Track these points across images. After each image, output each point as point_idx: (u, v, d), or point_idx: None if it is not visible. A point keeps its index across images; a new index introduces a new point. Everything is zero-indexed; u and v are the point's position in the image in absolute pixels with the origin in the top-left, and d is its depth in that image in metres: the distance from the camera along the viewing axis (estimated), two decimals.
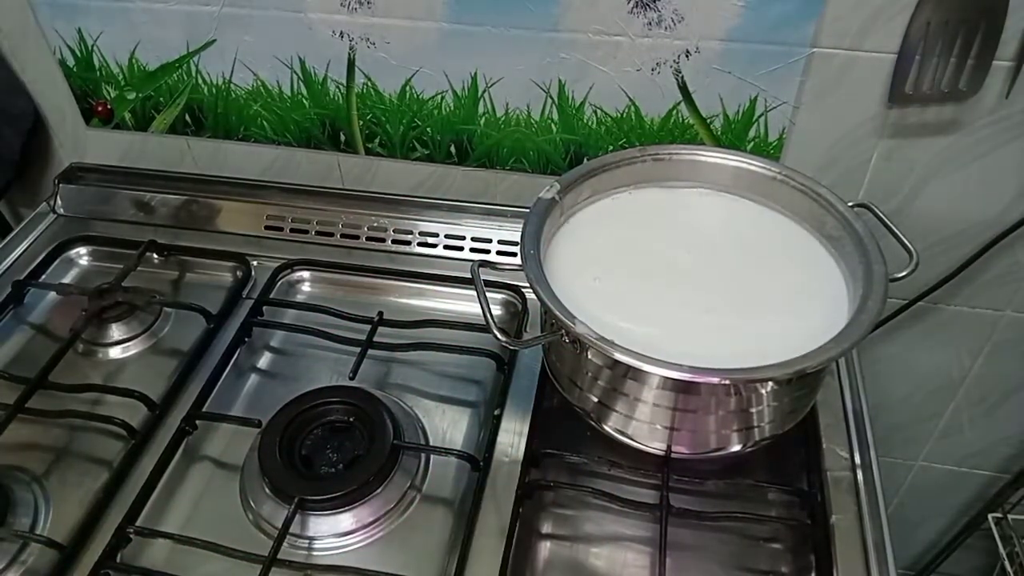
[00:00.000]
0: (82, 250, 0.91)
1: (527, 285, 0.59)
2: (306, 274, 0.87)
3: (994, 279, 0.85)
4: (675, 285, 0.64)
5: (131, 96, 0.90)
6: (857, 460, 0.67)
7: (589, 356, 0.59)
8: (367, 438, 0.67)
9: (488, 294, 0.62)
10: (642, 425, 0.61)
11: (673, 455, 0.62)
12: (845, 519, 0.63)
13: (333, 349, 0.76)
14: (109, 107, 0.92)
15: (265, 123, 0.89)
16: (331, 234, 0.89)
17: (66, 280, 0.88)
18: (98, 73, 0.89)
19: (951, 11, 0.66)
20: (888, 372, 0.96)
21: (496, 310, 0.81)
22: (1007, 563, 1.05)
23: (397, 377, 0.76)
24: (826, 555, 0.61)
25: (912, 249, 0.63)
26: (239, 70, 0.85)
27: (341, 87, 0.83)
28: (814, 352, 0.53)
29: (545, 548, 0.64)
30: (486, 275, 0.66)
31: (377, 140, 0.87)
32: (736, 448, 0.62)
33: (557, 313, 0.55)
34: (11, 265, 0.88)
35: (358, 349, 0.74)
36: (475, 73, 0.79)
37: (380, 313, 0.78)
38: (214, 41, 0.83)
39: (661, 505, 0.62)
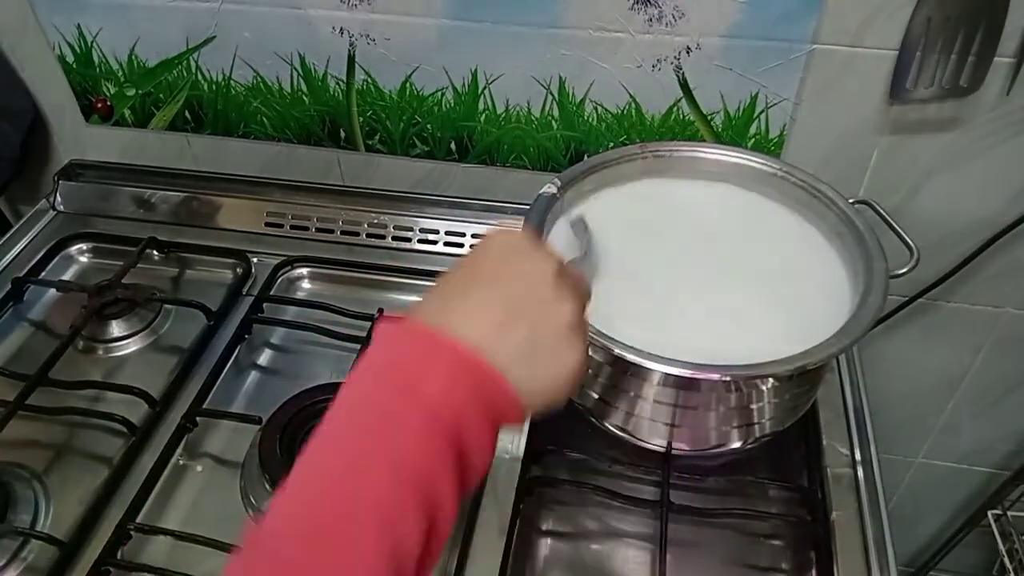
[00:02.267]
0: (82, 247, 0.91)
1: None
2: (306, 271, 0.87)
3: (994, 276, 0.84)
4: (675, 281, 0.64)
5: (131, 93, 0.90)
6: (858, 457, 0.67)
7: (590, 353, 0.59)
8: None
9: None
10: (643, 422, 0.61)
11: (674, 452, 0.62)
12: (845, 516, 0.63)
13: (333, 346, 0.76)
14: (109, 104, 0.91)
15: (265, 120, 0.88)
16: (331, 231, 0.89)
17: (66, 277, 0.88)
18: (98, 70, 0.88)
19: (952, 8, 0.66)
20: (888, 369, 0.96)
21: None
22: (1006, 560, 1.05)
23: None
24: (826, 551, 0.61)
25: (913, 246, 0.63)
26: (239, 66, 0.84)
27: (341, 84, 0.83)
28: (815, 348, 0.53)
29: (545, 545, 0.64)
30: None
31: (377, 137, 0.87)
32: (737, 445, 0.62)
33: None
34: (11, 262, 0.88)
35: (358, 346, 0.74)
36: (475, 70, 0.79)
37: (380, 310, 0.78)
38: (214, 37, 0.82)
39: (661, 502, 0.62)
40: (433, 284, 0.38)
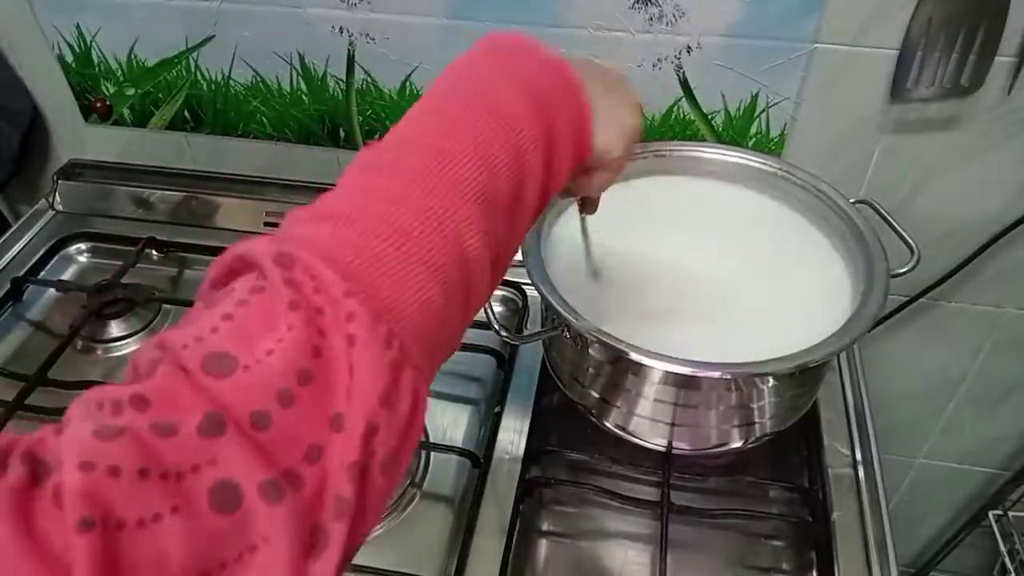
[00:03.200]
0: (81, 247, 0.91)
1: (527, 281, 0.59)
2: None
3: (995, 276, 0.84)
4: (675, 278, 0.64)
5: (130, 92, 0.90)
6: (858, 457, 0.67)
7: (590, 352, 0.59)
8: None
9: None
10: (643, 421, 0.61)
11: (674, 451, 0.62)
12: (846, 516, 0.62)
13: None
14: (108, 103, 0.91)
15: (264, 119, 0.88)
16: None
17: (65, 277, 0.88)
18: (97, 69, 0.88)
19: (953, 7, 0.65)
20: (889, 369, 0.96)
21: (496, 306, 0.81)
22: (1007, 560, 1.05)
23: None
24: (827, 552, 0.60)
25: (913, 245, 0.63)
26: (238, 66, 0.84)
27: (341, 83, 0.83)
28: (815, 347, 0.53)
29: (545, 545, 0.64)
30: None
31: (377, 136, 0.86)
32: (737, 444, 0.62)
33: (559, 309, 0.55)
34: (10, 262, 0.88)
35: None
36: None
37: None
38: (213, 37, 0.82)
39: (662, 502, 0.62)
40: None
